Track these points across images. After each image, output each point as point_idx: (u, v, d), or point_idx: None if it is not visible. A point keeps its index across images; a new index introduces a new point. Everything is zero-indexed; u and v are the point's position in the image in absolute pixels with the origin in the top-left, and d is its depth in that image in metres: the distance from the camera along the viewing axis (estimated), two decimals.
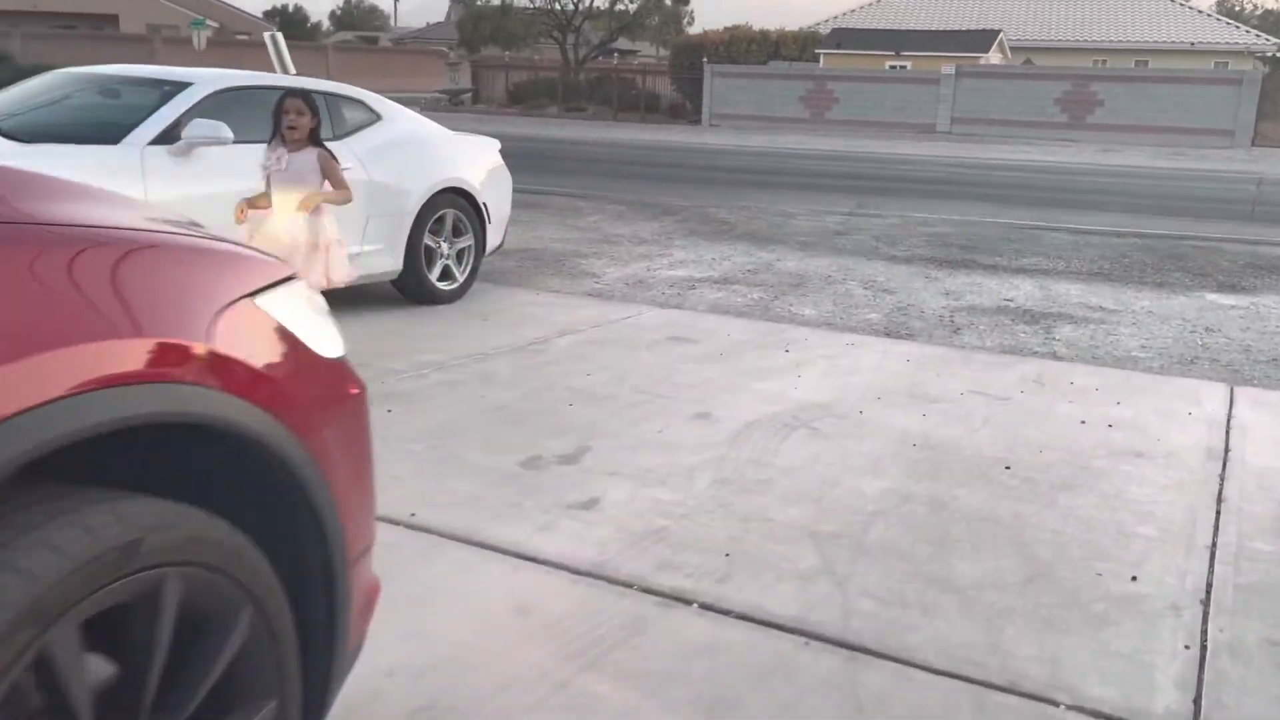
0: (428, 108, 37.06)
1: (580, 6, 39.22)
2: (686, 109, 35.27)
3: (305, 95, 5.09)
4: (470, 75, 41.84)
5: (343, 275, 5.23)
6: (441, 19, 66.50)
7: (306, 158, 5.04)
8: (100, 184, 4.87)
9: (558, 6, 39.20)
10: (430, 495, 3.55)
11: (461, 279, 6.93)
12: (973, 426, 4.61)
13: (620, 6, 39.30)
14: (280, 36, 12.48)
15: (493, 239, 7.25)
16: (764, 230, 11.00)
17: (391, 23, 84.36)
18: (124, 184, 4.98)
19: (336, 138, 6.17)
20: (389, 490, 3.57)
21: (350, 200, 5.24)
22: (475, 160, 7.14)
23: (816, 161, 20.78)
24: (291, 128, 5.00)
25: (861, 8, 44.11)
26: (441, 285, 6.78)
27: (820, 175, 17.76)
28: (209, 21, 41.53)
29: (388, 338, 5.78)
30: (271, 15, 68.65)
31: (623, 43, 45.16)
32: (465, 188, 6.84)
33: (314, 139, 5.08)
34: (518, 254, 8.95)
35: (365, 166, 6.19)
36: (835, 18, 43.20)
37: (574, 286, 7.66)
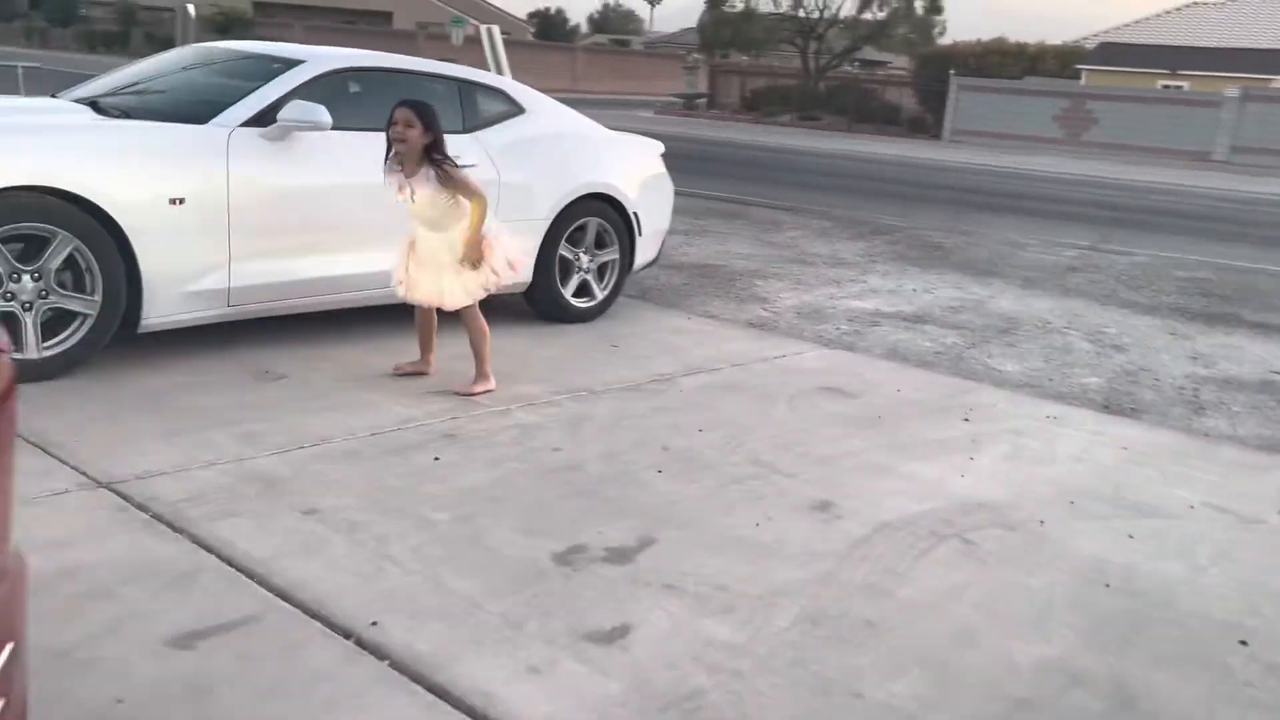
0: (660, 111, 36.89)
1: (825, 14, 37.84)
2: (927, 123, 33.29)
3: (419, 106, 4.32)
4: (708, 80, 41.37)
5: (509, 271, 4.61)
6: (694, 24, 66.69)
7: (425, 179, 4.31)
8: (182, 165, 4.38)
9: (801, 13, 37.97)
10: (413, 594, 2.70)
11: (601, 296, 6.10)
12: (1198, 564, 3.33)
13: (867, 15, 37.63)
14: (497, 31, 12.16)
15: (644, 254, 6.38)
16: (982, 260, 9.62)
17: (646, 26, 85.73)
18: (206, 167, 4.45)
19: (466, 130, 5.48)
20: (367, 582, 2.77)
21: (486, 204, 4.44)
22: (630, 164, 6.29)
23: (1062, 186, 18.75)
24: (400, 139, 4.25)
25: (1137, 21, 40.38)
26: (576, 302, 5.99)
27: (1064, 201, 15.89)
28: (469, 20, 43.13)
29: (490, 360, 4.97)
30: (534, 16, 71.04)
31: (869, 53, 43.40)
32: (613, 194, 6.01)
33: (429, 157, 4.30)
34: (690, 269, 8.07)
35: (496, 164, 5.47)
36: (1105, 31, 39.74)
37: (736, 313, 6.68)
